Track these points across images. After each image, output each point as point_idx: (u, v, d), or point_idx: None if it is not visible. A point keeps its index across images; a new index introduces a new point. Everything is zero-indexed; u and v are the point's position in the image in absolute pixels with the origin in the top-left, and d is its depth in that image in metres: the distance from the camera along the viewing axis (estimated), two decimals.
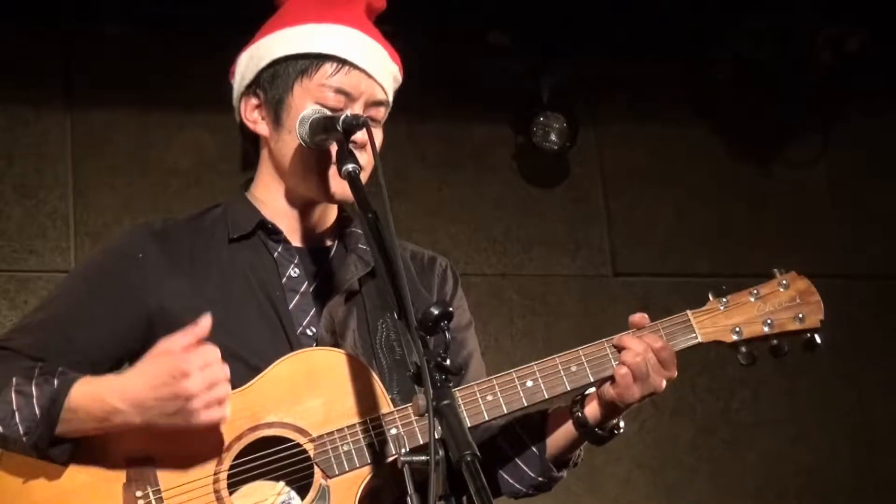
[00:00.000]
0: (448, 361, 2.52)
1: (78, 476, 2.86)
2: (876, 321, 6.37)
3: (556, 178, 6.22)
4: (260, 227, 3.06)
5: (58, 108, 5.68)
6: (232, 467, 2.84)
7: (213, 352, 2.77)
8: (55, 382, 2.82)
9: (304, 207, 3.08)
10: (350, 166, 2.78)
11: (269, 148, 3.08)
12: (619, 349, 2.95)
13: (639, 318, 3.03)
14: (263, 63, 3.07)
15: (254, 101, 3.09)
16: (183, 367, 2.75)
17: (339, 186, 2.93)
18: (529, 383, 2.91)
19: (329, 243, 3.11)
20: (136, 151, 5.74)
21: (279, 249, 3.05)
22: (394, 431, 2.83)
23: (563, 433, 3.02)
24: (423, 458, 2.61)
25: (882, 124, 6.43)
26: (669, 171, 6.32)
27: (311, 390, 2.87)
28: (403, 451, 2.71)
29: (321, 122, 2.92)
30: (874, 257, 6.42)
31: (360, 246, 3.08)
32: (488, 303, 5.91)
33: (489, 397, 2.88)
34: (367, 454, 2.83)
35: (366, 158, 2.93)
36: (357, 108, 3.01)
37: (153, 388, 2.77)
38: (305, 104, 3.00)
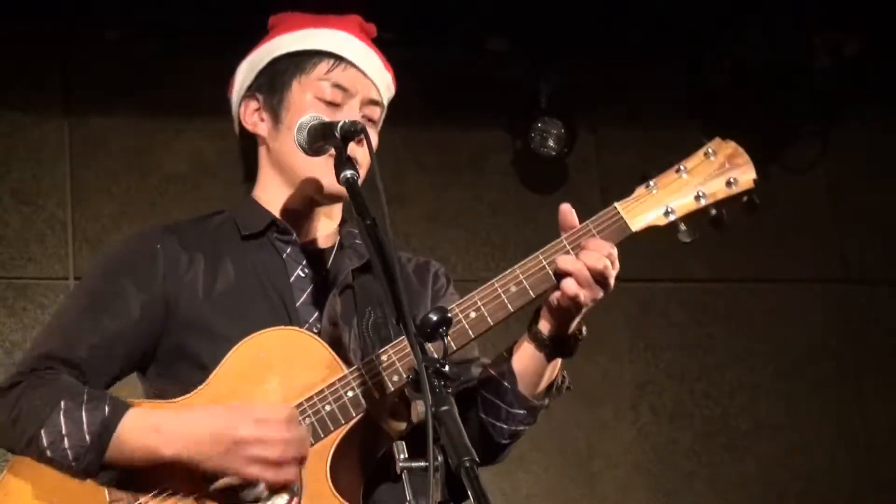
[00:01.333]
0: (447, 367, 2.52)
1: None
2: (875, 326, 6.37)
3: (554, 183, 6.22)
4: (271, 227, 3.09)
5: (56, 113, 5.68)
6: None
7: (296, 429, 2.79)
8: (106, 410, 2.82)
9: (308, 207, 3.10)
10: (348, 173, 2.79)
11: (269, 147, 3.11)
12: (559, 274, 2.91)
13: (567, 215, 3.02)
14: (262, 65, 3.12)
15: (253, 104, 3.13)
16: (255, 413, 2.79)
17: (336, 188, 2.94)
18: (473, 314, 2.89)
19: (330, 244, 3.14)
20: (135, 157, 5.74)
21: (288, 251, 3.08)
22: (350, 393, 2.83)
23: (527, 356, 2.99)
24: (421, 463, 2.60)
25: (881, 128, 6.43)
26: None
27: (265, 372, 2.87)
28: (402, 457, 2.70)
29: (319, 129, 2.94)
30: (873, 262, 6.42)
31: (355, 241, 3.10)
32: None
33: None
34: (328, 423, 2.83)
35: (361, 155, 2.95)
36: (354, 105, 3.06)
37: (213, 426, 2.79)
38: (304, 99, 3.04)
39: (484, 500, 2.35)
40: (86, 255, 5.54)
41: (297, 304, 3.01)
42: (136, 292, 2.98)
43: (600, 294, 2.93)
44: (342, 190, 2.86)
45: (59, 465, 2.82)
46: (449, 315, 2.59)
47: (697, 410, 6.20)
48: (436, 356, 2.55)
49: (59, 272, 5.54)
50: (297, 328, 2.94)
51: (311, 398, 2.85)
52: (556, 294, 2.91)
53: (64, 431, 2.80)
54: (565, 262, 2.92)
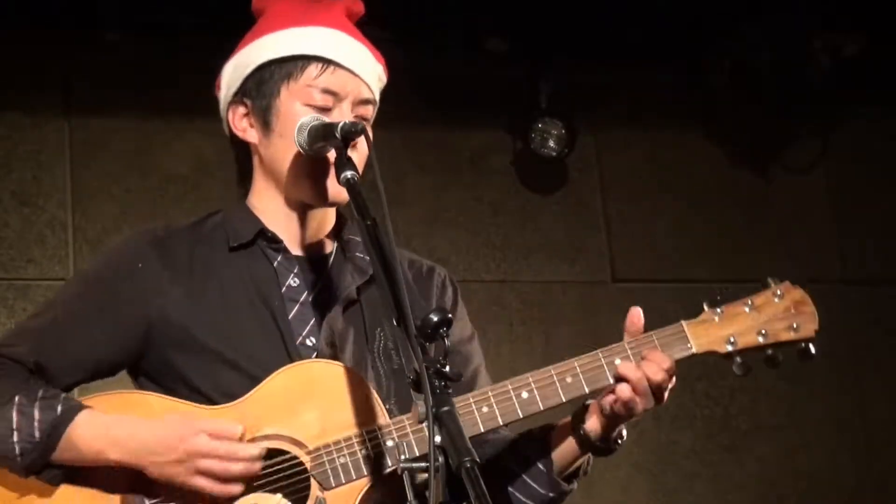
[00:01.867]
0: (447, 368, 2.51)
1: (71, 496, 2.87)
2: (875, 327, 6.37)
3: (554, 184, 6.22)
4: (260, 236, 3.05)
5: (56, 115, 5.68)
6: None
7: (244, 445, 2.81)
8: (59, 409, 2.84)
9: (301, 213, 3.07)
10: (349, 173, 2.78)
11: (260, 155, 3.08)
12: (618, 378, 2.92)
13: (634, 322, 3.04)
14: (248, 70, 3.07)
15: (241, 109, 3.09)
16: (208, 426, 2.81)
17: (336, 190, 2.93)
18: (525, 394, 2.89)
19: (328, 250, 3.10)
20: (135, 158, 5.74)
21: (279, 259, 3.04)
22: (390, 443, 2.82)
23: (566, 447, 3.00)
24: (422, 464, 2.60)
25: (880, 129, 6.43)
26: (668, 177, 6.32)
27: (307, 402, 2.87)
28: (403, 457, 2.70)
29: (320, 130, 2.92)
30: (873, 263, 6.42)
31: (357, 254, 3.07)
32: (487, 309, 5.90)
33: (485, 409, 2.87)
34: (363, 466, 2.83)
35: (356, 156, 2.93)
36: (345, 107, 3.02)
37: (164, 434, 2.81)
38: (293, 107, 3.00)
39: (484, 501, 2.35)
40: (86, 256, 5.54)
41: (290, 316, 2.99)
42: (111, 309, 2.97)
43: (652, 405, 2.94)
44: (342, 195, 2.85)
45: (6, 460, 2.84)
46: (449, 316, 2.58)
47: (698, 411, 6.20)
48: (436, 357, 2.54)
49: (60, 273, 5.54)
50: (348, 367, 2.91)
51: (349, 438, 2.84)
52: (610, 398, 2.92)
53: (14, 426, 2.83)
54: (626, 368, 2.93)
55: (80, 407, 2.86)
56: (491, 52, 6.02)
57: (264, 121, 3.04)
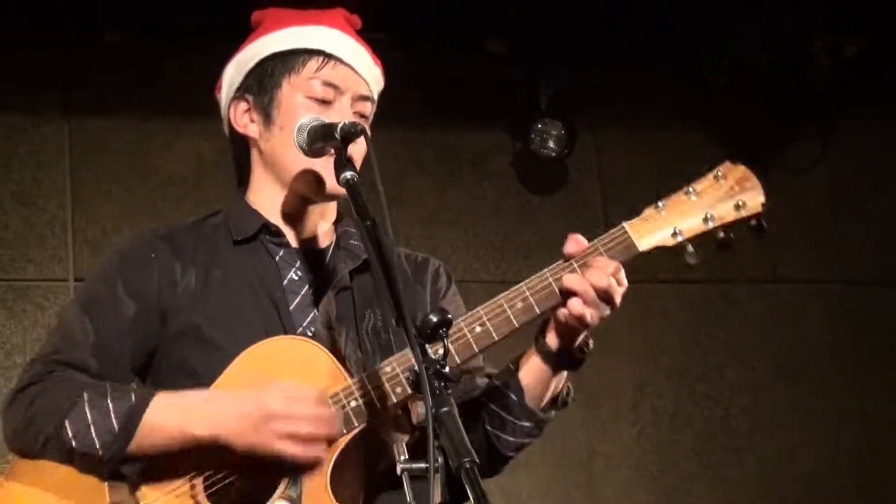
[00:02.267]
0: (447, 369, 2.51)
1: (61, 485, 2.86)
2: (875, 326, 6.38)
3: (554, 184, 6.23)
4: (263, 230, 3.07)
5: (56, 115, 5.69)
6: (207, 475, 2.84)
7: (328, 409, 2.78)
8: (133, 397, 2.81)
9: (301, 206, 3.09)
10: (349, 174, 2.78)
11: (260, 149, 3.10)
12: (566, 293, 2.90)
13: (574, 244, 3.00)
14: (250, 66, 3.11)
15: (243, 105, 3.12)
16: (284, 391, 2.76)
17: (334, 183, 2.92)
18: (478, 328, 2.88)
19: (327, 243, 3.12)
20: (135, 159, 5.74)
21: (280, 253, 3.06)
22: (353, 404, 2.81)
23: (534, 369, 2.99)
24: (422, 465, 2.60)
25: (880, 130, 6.44)
26: (668, 178, 6.29)
27: (269, 380, 2.85)
28: (402, 458, 2.70)
29: (319, 130, 2.93)
30: (873, 263, 6.42)
31: (351, 241, 3.10)
32: None
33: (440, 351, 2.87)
34: None
35: (356, 151, 2.94)
36: (345, 101, 3.05)
37: (240, 399, 2.77)
38: (295, 99, 3.04)
39: (484, 502, 2.35)
40: (86, 256, 5.54)
41: (291, 307, 2.99)
42: (130, 300, 2.97)
43: (606, 312, 2.92)
44: (340, 188, 2.85)
45: (84, 456, 2.79)
46: (449, 316, 2.57)
47: (698, 411, 6.21)
48: (436, 357, 2.54)
49: (60, 274, 5.54)
50: (301, 338, 2.93)
51: None
52: (563, 311, 2.90)
53: (90, 421, 2.78)
54: (571, 280, 2.91)
55: (153, 392, 2.83)
56: (491, 54, 6.03)
57: (266, 114, 3.07)
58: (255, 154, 3.13)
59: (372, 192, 2.74)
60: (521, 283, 2.92)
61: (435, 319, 2.55)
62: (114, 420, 2.78)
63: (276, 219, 3.08)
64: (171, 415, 2.79)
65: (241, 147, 3.15)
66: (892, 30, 5.97)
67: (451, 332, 2.73)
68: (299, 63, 3.06)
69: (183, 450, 2.79)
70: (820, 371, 6.29)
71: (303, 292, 3.02)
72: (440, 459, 2.44)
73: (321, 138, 2.92)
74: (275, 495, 2.80)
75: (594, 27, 5.82)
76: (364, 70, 3.10)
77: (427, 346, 2.55)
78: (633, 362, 6.18)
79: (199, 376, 2.91)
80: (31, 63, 5.59)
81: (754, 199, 3.00)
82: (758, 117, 6.27)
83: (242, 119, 3.12)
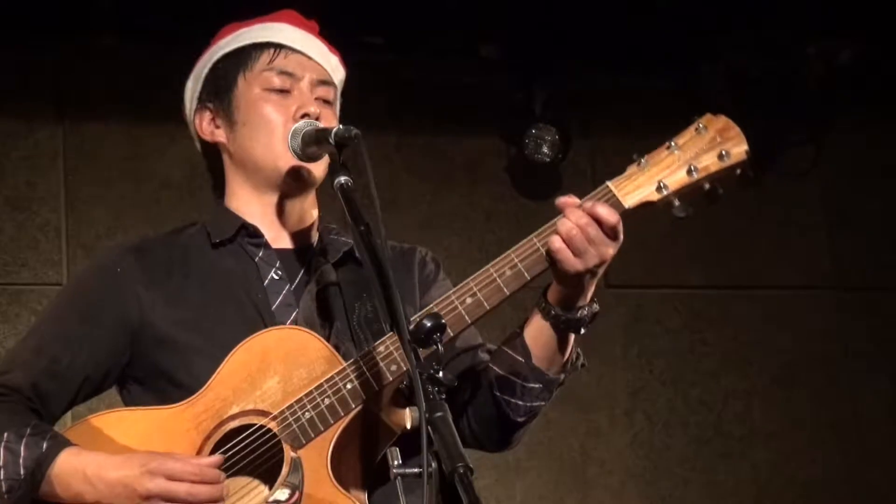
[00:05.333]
0: (441, 374, 2.51)
1: None
2: (868, 332, 6.38)
3: (548, 189, 6.21)
4: (241, 231, 3.07)
5: (49, 120, 5.68)
6: None
7: (200, 472, 2.78)
8: (44, 446, 2.85)
9: (279, 203, 3.09)
10: (342, 178, 2.79)
11: (230, 152, 3.12)
12: (552, 251, 2.90)
13: (563, 200, 3.02)
14: (204, 73, 3.14)
15: (207, 114, 3.15)
16: (154, 464, 2.78)
17: (289, 156, 2.98)
18: (469, 300, 2.90)
19: (308, 242, 3.12)
20: (129, 164, 5.74)
21: (260, 254, 3.06)
22: (349, 386, 2.82)
23: (539, 331, 2.97)
24: (415, 470, 2.60)
25: (874, 136, 6.44)
26: None
27: (265, 371, 2.88)
28: (396, 463, 2.70)
29: (313, 135, 2.95)
30: (867, 268, 6.42)
31: (332, 236, 3.10)
32: None
33: None
34: (328, 415, 2.83)
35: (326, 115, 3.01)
36: (304, 87, 3.06)
37: (123, 474, 2.79)
38: (252, 93, 3.06)
39: None
40: (80, 261, 5.54)
41: (273, 307, 3.00)
42: (93, 319, 2.99)
43: (606, 250, 2.89)
44: (300, 163, 2.93)
45: None
46: (443, 321, 2.57)
47: (692, 417, 6.20)
48: (430, 362, 2.54)
49: (53, 278, 5.54)
50: (292, 326, 2.94)
51: (310, 393, 2.84)
52: (555, 267, 2.89)
53: (1, 463, 2.84)
54: (555, 237, 2.90)
55: (65, 444, 2.87)
56: (485, 59, 6.03)
57: (228, 116, 3.09)
58: (226, 159, 3.15)
59: (366, 197, 2.74)
60: (510, 251, 2.93)
61: (429, 324, 2.55)
62: (21, 467, 2.84)
63: (254, 220, 3.08)
64: (71, 475, 2.84)
65: (213, 157, 3.18)
66: (886, 35, 5.98)
67: (442, 305, 2.82)
68: (251, 58, 3.08)
69: None
70: (813, 377, 6.29)
71: (284, 291, 3.03)
72: (434, 464, 2.44)
73: (315, 142, 2.93)
74: (276, 483, 2.82)
75: (589, 33, 5.82)
76: (319, 57, 3.10)
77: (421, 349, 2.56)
78: (627, 368, 6.18)
79: (181, 383, 2.93)
80: (25, 68, 5.59)
81: (738, 148, 2.99)
82: (752, 123, 6.25)
83: (208, 128, 3.14)
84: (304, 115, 3.02)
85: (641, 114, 6.23)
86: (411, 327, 2.56)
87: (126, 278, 3.01)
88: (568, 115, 6.08)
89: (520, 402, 2.99)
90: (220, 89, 3.10)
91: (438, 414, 2.45)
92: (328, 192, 2.88)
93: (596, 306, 2.98)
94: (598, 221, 2.91)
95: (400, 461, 2.69)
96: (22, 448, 2.84)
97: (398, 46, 5.52)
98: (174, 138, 5.75)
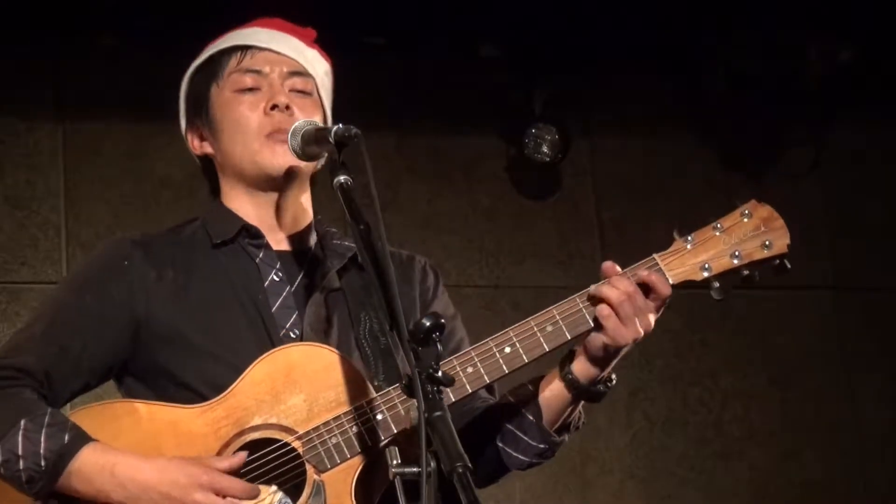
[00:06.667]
0: (440, 373, 2.51)
1: None
2: (868, 333, 6.38)
3: (548, 189, 6.22)
4: (242, 232, 3.07)
5: (49, 118, 5.68)
6: None
7: (248, 490, 2.78)
8: (66, 438, 2.82)
9: (272, 205, 3.09)
10: (342, 178, 2.78)
11: (218, 162, 3.15)
12: (596, 300, 2.91)
13: (609, 266, 3.00)
14: (184, 90, 3.19)
15: (195, 131, 3.18)
16: (206, 478, 2.77)
17: (273, 152, 2.99)
18: (508, 349, 2.89)
19: (309, 244, 3.12)
20: (128, 162, 5.74)
21: (260, 255, 3.06)
22: (380, 417, 2.81)
23: (555, 395, 2.99)
24: (414, 469, 2.60)
25: (874, 136, 6.44)
26: (662, 183, 6.32)
27: (291, 387, 2.86)
28: (395, 462, 2.70)
29: (312, 134, 2.94)
30: (866, 269, 6.42)
31: (334, 241, 3.11)
32: (480, 314, 5.90)
33: (469, 369, 2.87)
34: (356, 443, 2.82)
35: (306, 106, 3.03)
36: (274, 81, 3.07)
37: (167, 481, 2.78)
38: (223, 97, 3.09)
39: None
40: (79, 259, 5.54)
41: (273, 308, 2.99)
42: (101, 308, 2.98)
43: (651, 320, 2.93)
44: (299, 163, 2.93)
45: (10, 481, 2.83)
46: (442, 321, 2.56)
47: (691, 417, 6.20)
48: (430, 362, 2.54)
49: (53, 276, 5.54)
50: (324, 346, 2.92)
51: (338, 417, 2.83)
52: (594, 334, 2.91)
53: (20, 452, 2.80)
54: (602, 289, 2.93)
55: (87, 438, 2.84)
56: (485, 59, 6.03)
57: (210, 127, 3.12)
58: (218, 169, 3.16)
59: (366, 197, 2.73)
60: (552, 307, 2.93)
61: (428, 324, 2.55)
62: (42, 457, 2.81)
63: (253, 221, 3.09)
64: (97, 470, 2.81)
65: (209, 171, 3.19)
66: (885, 35, 5.98)
67: (479, 350, 2.84)
68: (220, 66, 3.11)
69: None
70: (813, 377, 6.29)
71: (285, 293, 3.02)
72: (433, 464, 2.44)
73: (314, 142, 2.93)
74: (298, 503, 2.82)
75: (588, 32, 5.82)
76: (290, 51, 3.11)
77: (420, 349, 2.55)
78: (627, 368, 6.16)
79: (184, 383, 2.92)
80: (25, 66, 5.58)
81: (781, 240, 3.07)
82: (752, 123, 6.27)
83: (198, 143, 3.17)
84: (275, 107, 3.04)
85: (641, 114, 6.24)
86: (410, 327, 2.55)
87: (133, 271, 3.00)
88: (568, 115, 6.08)
89: (521, 457, 3.04)
90: (198, 103, 3.14)
91: (437, 413, 2.45)
92: (328, 192, 2.88)
93: (615, 377, 3.02)
94: (648, 289, 2.94)
95: (399, 460, 2.69)
96: (42, 438, 2.81)
97: (398, 46, 5.52)
98: (174, 137, 5.71)
